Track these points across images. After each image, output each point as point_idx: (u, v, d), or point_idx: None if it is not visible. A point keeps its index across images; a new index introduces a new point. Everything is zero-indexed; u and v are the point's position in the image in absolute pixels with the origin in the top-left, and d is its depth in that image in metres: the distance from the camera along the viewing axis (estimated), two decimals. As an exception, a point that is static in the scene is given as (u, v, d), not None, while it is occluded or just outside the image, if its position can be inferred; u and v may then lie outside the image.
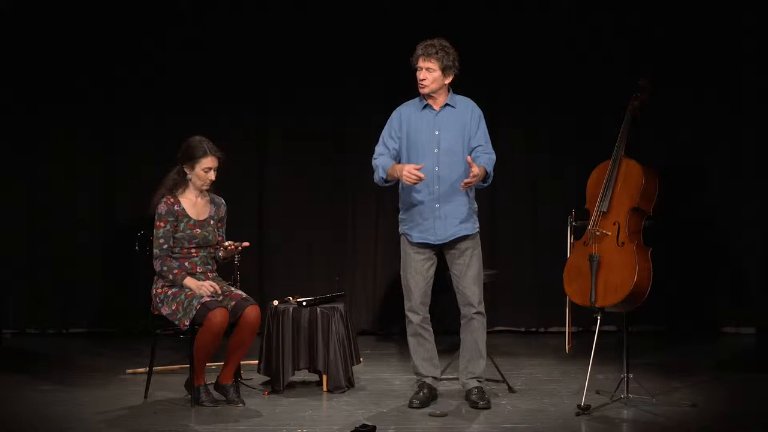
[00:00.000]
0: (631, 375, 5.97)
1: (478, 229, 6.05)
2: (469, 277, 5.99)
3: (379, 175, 5.98)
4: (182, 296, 5.97)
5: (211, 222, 6.17)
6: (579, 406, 5.81)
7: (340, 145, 8.34)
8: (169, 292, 6.02)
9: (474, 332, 6.01)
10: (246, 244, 6.19)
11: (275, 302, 6.55)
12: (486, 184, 5.96)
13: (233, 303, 6.03)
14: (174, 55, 8.23)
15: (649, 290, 5.87)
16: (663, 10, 8.12)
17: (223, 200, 6.29)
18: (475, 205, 6.06)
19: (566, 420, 5.72)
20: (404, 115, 6.04)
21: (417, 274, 6.01)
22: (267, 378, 6.49)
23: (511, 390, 6.36)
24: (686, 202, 8.20)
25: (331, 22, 8.26)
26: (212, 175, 6.09)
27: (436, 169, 5.93)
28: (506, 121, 8.15)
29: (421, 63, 5.93)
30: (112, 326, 8.30)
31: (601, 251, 5.92)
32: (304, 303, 6.46)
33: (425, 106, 6.01)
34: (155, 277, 6.09)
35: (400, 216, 6.12)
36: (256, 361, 6.61)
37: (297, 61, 8.28)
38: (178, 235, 6.06)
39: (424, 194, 5.95)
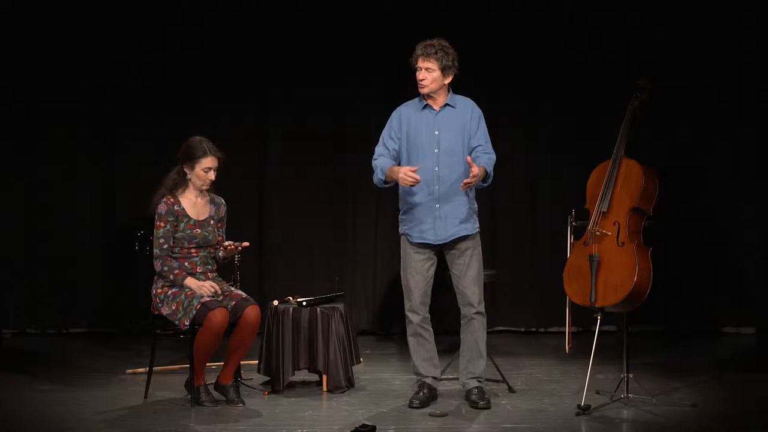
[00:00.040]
0: (631, 375, 5.97)
1: (478, 229, 6.05)
2: (469, 277, 5.99)
3: (377, 176, 5.98)
4: (182, 296, 5.97)
5: (211, 222, 6.17)
6: (579, 406, 5.81)
7: (340, 145, 8.34)
8: (169, 292, 6.02)
9: (474, 332, 6.01)
10: (246, 244, 6.19)
11: (275, 302, 6.55)
12: (486, 184, 5.96)
13: (233, 303, 6.03)
14: (174, 55, 8.23)
15: (649, 290, 5.87)
16: (663, 10, 8.12)
17: (223, 200, 6.29)
18: (475, 205, 6.06)
19: (566, 420, 5.71)
20: (404, 116, 6.03)
21: (417, 274, 6.01)
22: (267, 378, 6.49)
23: (511, 390, 6.36)
24: (686, 202, 8.20)
25: (331, 22, 8.26)
26: (212, 175, 6.09)
27: (436, 169, 5.93)
28: (506, 121, 8.15)
29: (420, 63, 5.92)
30: (112, 326, 8.30)
31: (601, 251, 5.92)
32: (304, 303, 6.46)
33: (425, 107, 6.00)
34: (155, 277, 6.09)
35: (400, 216, 6.11)
36: (256, 361, 6.61)
37: (297, 61, 8.28)
38: (178, 235, 6.06)
39: (424, 194, 5.95)
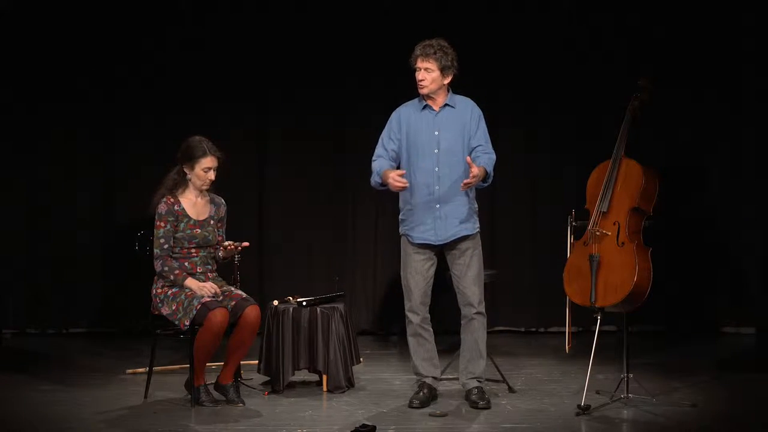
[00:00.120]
0: (631, 375, 5.97)
1: (478, 229, 6.05)
2: (470, 277, 5.99)
3: (374, 179, 5.97)
4: (182, 296, 5.97)
5: (211, 222, 6.17)
6: (579, 406, 5.81)
7: (340, 145, 8.34)
8: (169, 292, 6.02)
9: (474, 332, 6.01)
10: (246, 244, 6.19)
11: (275, 302, 6.55)
12: (486, 184, 5.96)
13: (233, 303, 6.03)
14: (174, 55, 8.23)
15: (649, 290, 5.87)
16: (663, 10, 8.12)
17: (223, 200, 6.29)
18: (476, 205, 6.06)
19: (566, 420, 5.71)
20: (404, 116, 6.03)
21: (417, 275, 6.01)
22: (267, 378, 6.49)
23: (511, 390, 6.36)
24: (686, 202, 8.20)
25: (331, 22, 8.26)
26: (212, 175, 6.09)
27: (436, 169, 5.93)
28: (506, 121, 8.15)
29: (419, 63, 5.92)
30: (112, 326, 8.30)
31: (601, 251, 5.92)
32: (304, 303, 6.46)
33: (425, 107, 6.00)
34: (155, 277, 6.09)
35: (400, 217, 6.11)
36: (256, 361, 6.61)
37: (297, 61, 8.28)
38: (178, 235, 6.06)
39: (424, 195, 5.95)
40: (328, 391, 6.37)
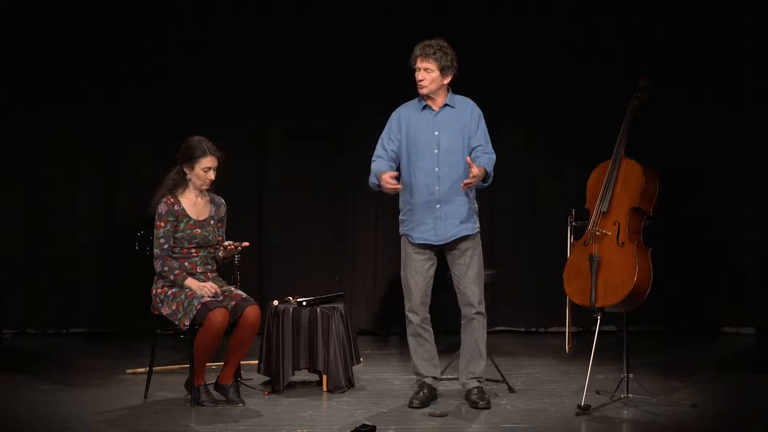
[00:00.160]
0: (631, 375, 5.97)
1: (478, 229, 6.05)
2: (470, 277, 5.99)
3: (371, 180, 5.97)
4: (182, 296, 5.97)
5: (211, 222, 6.17)
6: (579, 406, 5.81)
7: (340, 145, 8.34)
8: (169, 292, 6.02)
9: (474, 332, 6.01)
10: (246, 244, 6.19)
11: (275, 302, 6.55)
12: (486, 184, 5.95)
13: (233, 303, 6.03)
14: (174, 55, 8.23)
15: (649, 290, 5.87)
16: (663, 10, 8.12)
17: (223, 200, 6.29)
18: (476, 205, 6.06)
19: (566, 420, 5.71)
20: (403, 116, 6.03)
21: (417, 275, 6.01)
22: (267, 378, 6.49)
23: (511, 390, 6.36)
24: (686, 202, 8.20)
25: (331, 22, 8.26)
26: (212, 175, 6.09)
27: (436, 169, 5.93)
28: (506, 121, 8.15)
29: (419, 64, 5.92)
30: (112, 326, 8.30)
31: (601, 251, 5.92)
32: (304, 303, 6.46)
33: (424, 107, 6.00)
34: (155, 277, 6.09)
35: (400, 217, 6.11)
36: (256, 361, 6.61)
37: (297, 61, 8.28)
38: (178, 235, 6.06)
39: (424, 195, 5.95)
40: (328, 391, 6.37)
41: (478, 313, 6.00)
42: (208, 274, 6.15)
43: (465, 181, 5.75)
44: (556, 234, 6.70)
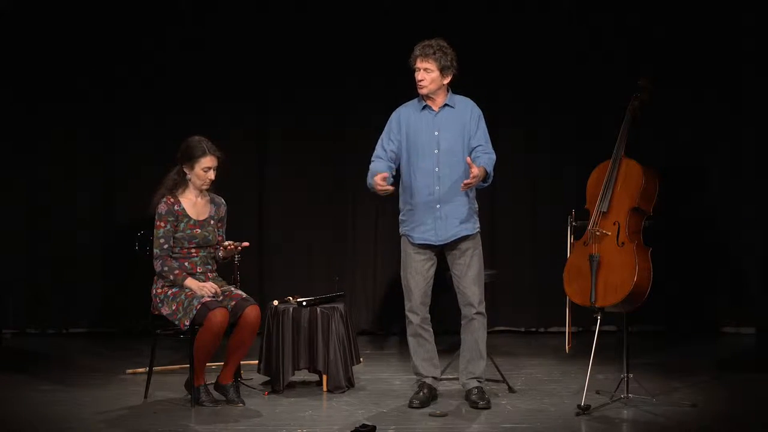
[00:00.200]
0: (631, 375, 5.97)
1: (478, 229, 6.04)
2: (470, 277, 5.99)
3: (369, 180, 5.97)
4: (182, 296, 5.97)
5: (211, 222, 6.17)
6: (579, 406, 5.81)
7: (340, 145, 8.33)
8: (169, 292, 6.02)
9: (474, 332, 6.01)
10: (246, 244, 6.19)
11: (275, 302, 6.55)
12: (486, 184, 5.95)
13: (233, 303, 6.03)
14: (174, 55, 8.23)
15: (649, 290, 5.87)
16: (663, 10, 8.12)
17: (223, 200, 6.29)
18: (476, 205, 6.06)
19: (566, 420, 5.71)
20: (403, 117, 6.03)
21: (417, 275, 6.01)
22: (267, 378, 6.49)
23: (511, 390, 6.36)
24: (686, 202, 8.20)
25: (331, 22, 8.26)
26: (212, 175, 6.09)
27: (436, 169, 5.92)
28: (506, 121, 8.15)
29: (418, 64, 5.92)
30: (112, 326, 8.30)
31: (601, 251, 5.92)
32: (304, 303, 6.46)
33: (424, 107, 6.00)
34: (155, 277, 6.09)
35: (400, 217, 6.11)
36: (256, 361, 6.61)
37: (297, 61, 8.28)
38: (178, 235, 6.06)
39: (424, 195, 5.95)
40: (328, 391, 6.37)
41: (478, 313, 6.00)
42: (208, 274, 6.15)
43: (465, 182, 5.75)
44: (556, 234, 6.70)
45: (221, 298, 6.02)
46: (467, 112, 6.00)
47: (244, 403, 6.05)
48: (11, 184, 8.29)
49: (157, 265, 6.03)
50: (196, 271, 6.09)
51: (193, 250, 6.09)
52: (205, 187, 6.14)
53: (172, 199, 6.08)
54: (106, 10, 8.17)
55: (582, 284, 5.95)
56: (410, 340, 6.10)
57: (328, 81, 8.26)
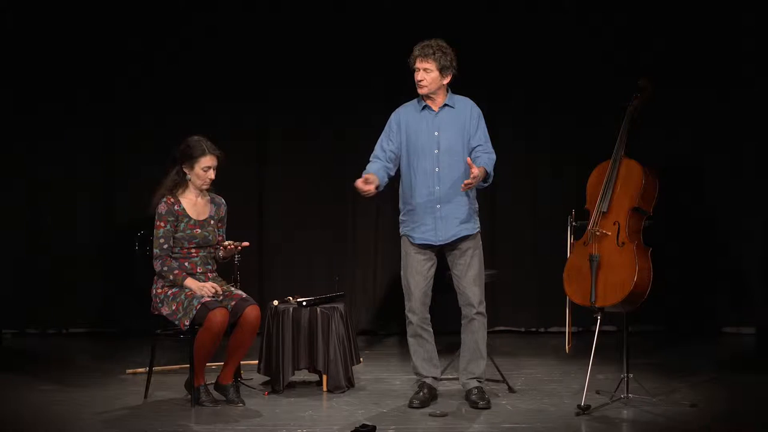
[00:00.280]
0: (631, 375, 5.97)
1: (479, 229, 6.04)
2: (470, 277, 5.98)
3: None
4: (182, 296, 5.97)
5: (212, 222, 6.17)
6: (579, 406, 5.81)
7: (340, 145, 8.33)
8: (169, 292, 6.02)
9: (474, 333, 6.01)
10: (246, 243, 6.19)
11: (275, 302, 6.55)
12: (486, 184, 5.95)
13: (233, 303, 6.03)
14: (174, 55, 8.23)
15: (649, 290, 5.87)
16: (663, 10, 8.11)
17: (223, 200, 6.29)
18: (476, 205, 6.05)
19: (566, 420, 5.71)
20: (403, 117, 6.03)
21: (417, 275, 6.01)
22: (267, 378, 6.49)
23: (511, 390, 6.36)
24: (686, 203, 8.20)
25: (332, 22, 8.26)
26: (212, 174, 6.09)
27: (437, 169, 5.92)
28: (506, 121, 8.14)
29: (418, 64, 5.91)
30: (112, 326, 8.30)
31: (601, 251, 5.92)
32: (304, 303, 6.46)
33: (424, 107, 6.00)
34: (155, 277, 6.09)
35: (400, 217, 6.11)
36: (256, 361, 6.61)
37: (297, 61, 8.28)
38: (178, 235, 6.06)
39: (424, 195, 5.95)
40: (328, 391, 6.37)
41: (478, 313, 6.00)
42: (208, 274, 6.15)
43: (465, 182, 5.75)
44: (556, 234, 6.70)
45: (221, 298, 6.02)
46: (467, 111, 6.00)
47: (244, 403, 6.05)
48: (11, 183, 8.28)
49: (157, 265, 6.03)
50: (196, 271, 6.09)
51: (193, 250, 6.09)
52: (205, 187, 6.13)
53: (172, 199, 6.08)
54: (107, 10, 8.16)
55: (582, 284, 5.95)
56: (410, 340, 6.10)
57: (328, 81, 8.26)
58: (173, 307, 5.98)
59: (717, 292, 8.27)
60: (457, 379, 6.20)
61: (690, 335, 8.15)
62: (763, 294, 8.17)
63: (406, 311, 6.07)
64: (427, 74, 5.90)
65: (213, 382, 6.14)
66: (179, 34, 8.21)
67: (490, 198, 8.07)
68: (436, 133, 5.95)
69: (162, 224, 6.03)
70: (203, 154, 6.05)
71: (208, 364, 6.09)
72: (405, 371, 6.80)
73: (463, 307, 6.03)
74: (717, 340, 8.15)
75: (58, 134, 8.27)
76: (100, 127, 8.30)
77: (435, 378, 6.11)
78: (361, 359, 6.78)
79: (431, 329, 6.10)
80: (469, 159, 5.82)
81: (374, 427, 5.47)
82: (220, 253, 6.23)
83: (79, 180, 8.31)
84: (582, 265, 5.96)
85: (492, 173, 5.92)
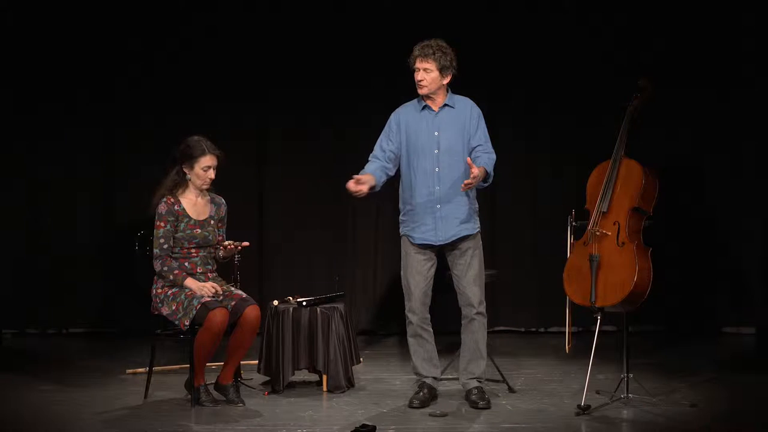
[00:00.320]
0: (631, 375, 5.97)
1: (479, 229, 6.04)
2: (470, 277, 5.98)
3: None
4: (182, 296, 5.97)
5: (212, 222, 6.17)
6: (579, 406, 5.81)
7: (340, 145, 8.33)
8: (169, 292, 6.02)
9: (474, 333, 6.01)
10: (246, 243, 6.19)
11: (275, 302, 6.55)
12: (486, 184, 5.95)
13: (233, 303, 6.03)
14: (174, 55, 8.23)
15: (649, 290, 5.87)
16: (663, 10, 8.11)
17: (223, 200, 6.29)
18: (476, 205, 6.05)
19: (566, 420, 5.71)
20: (403, 117, 6.03)
21: (417, 275, 6.01)
22: (267, 378, 6.49)
23: (511, 390, 6.36)
24: (686, 203, 8.20)
25: (332, 22, 8.26)
26: (212, 174, 6.09)
27: (437, 169, 5.92)
28: (506, 121, 8.14)
29: (418, 64, 5.91)
30: (112, 326, 8.30)
31: (601, 251, 5.92)
32: (304, 303, 6.46)
33: (424, 107, 6.00)
34: (155, 277, 6.09)
35: (400, 217, 6.11)
36: (256, 361, 6.61)
37: (297, 61, 8.28)
38: (178, 235, 6.06)
39: (424, 195, 5.95)
40: (328, 391, 6.37)
41: (478, 313, 6.00)
42: (208, 274, 6.15)
43: (465, 182, 5.75)
44: (556, 234, 6.70)
45: (221, 298, 6.02)
46: (467, 111, 6.00)
47: (244, 403, 6.05)
48: (11, 183, 8.28)
49: (157, 265, 6.03)
50: (196, 271, 6.09)
51: (193, 250, 6.09)
52: (205, 187, 6.13)
53: (172, 199, 6.08)
54: (106, 10, 8.17)
55: (582, 284, 5.95)
56: (410, 340, 6.10)
57: (328, 81, 8.26)
58: (173, 307, 5.98)
59: (717, 292, 8.28)
60: (457, 379, 6.20)
61: (690, 335, 8.15)
62: (763, 294, 8.17)
63: (406, 311, 6.07)
64: (427, 74, 5.90)
65: (213, 382, 6.14)
66: (179, 34, 8.21)
67: (490, 198, 8.07)
68: (436, 133, 5.95)
69: (162, 224, 6.03)
70: (203, 153, 6.05)
71: (208, 364, 6.09)
72: (405, 371, 6.80)
73: (463, 307, 6.03)
74: (717, 340, 8.15)
75: (58, 134, 8.28)
76: (100, 127, 8.30)
77: (435, 378, 6.11)
78: (361, 359, 6.78)
79: (431, 329, 6.10)
80: (469, 159, 5.82)
81: (374, 427, 5.47)
82: (220, 253, 6.23)
83: (79, 180, 8.31)
84: (582, 265, 5.96)
85: (492, 173, 5.92)
